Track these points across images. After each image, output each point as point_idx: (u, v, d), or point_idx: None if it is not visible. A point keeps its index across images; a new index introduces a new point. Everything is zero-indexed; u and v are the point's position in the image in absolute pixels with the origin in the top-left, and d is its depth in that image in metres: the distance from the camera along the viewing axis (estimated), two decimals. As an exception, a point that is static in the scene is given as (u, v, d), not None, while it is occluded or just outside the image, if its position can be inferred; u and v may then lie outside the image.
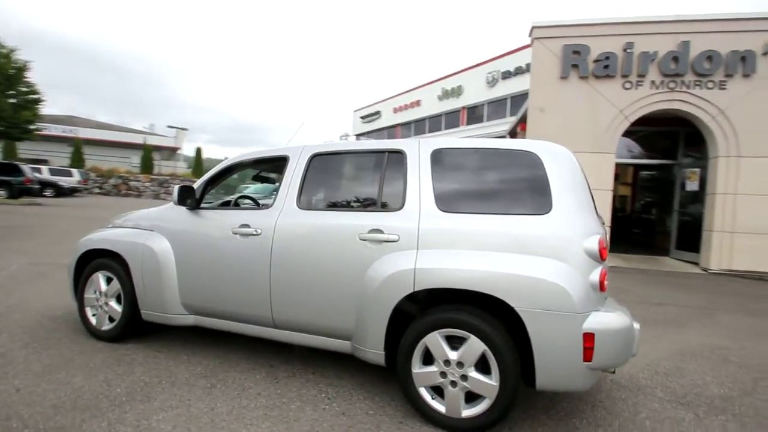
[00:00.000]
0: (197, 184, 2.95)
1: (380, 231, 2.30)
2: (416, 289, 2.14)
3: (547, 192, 2.14)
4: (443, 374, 2.11)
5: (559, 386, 2.00)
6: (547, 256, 2.02)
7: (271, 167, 3.45)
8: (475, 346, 2.04)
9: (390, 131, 27.50)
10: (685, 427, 2.24)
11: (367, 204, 2.49)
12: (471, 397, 2.08)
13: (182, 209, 2.92)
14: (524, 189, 2.21)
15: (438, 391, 2.15)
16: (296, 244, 2.49)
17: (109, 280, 3.09)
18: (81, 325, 3.23)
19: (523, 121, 10.09)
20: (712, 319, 4.56)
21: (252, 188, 11.09)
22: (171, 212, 2.98)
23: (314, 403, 2.31)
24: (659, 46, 7.61)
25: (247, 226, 2.64)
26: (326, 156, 2.69)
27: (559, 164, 2.19)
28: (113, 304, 3.06)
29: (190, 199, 2.83)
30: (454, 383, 2.09)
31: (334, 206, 2.57)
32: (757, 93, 7.28)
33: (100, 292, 3.10)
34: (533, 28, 8.31)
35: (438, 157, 2.38)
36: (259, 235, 2.58)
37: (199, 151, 28.89)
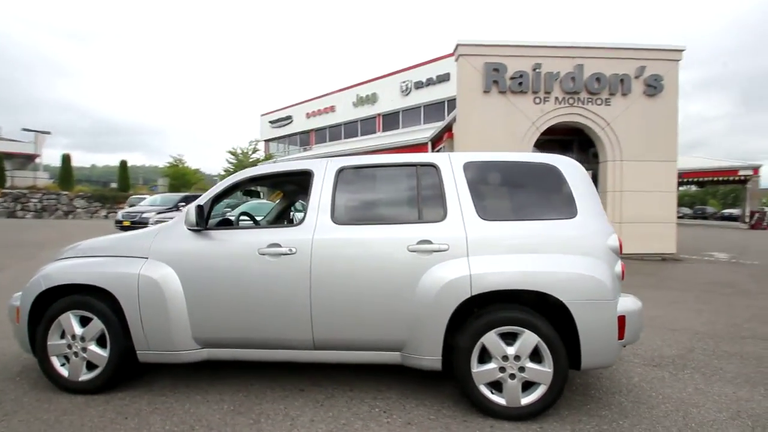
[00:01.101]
0: (202, 201, 2.67)
1: (429, 242, 2.39)
2: (473, 294, 2.29)
3: (571, 198, 2.48)
4: (502, 369, 2.29)
5: (599, 364, 2.34)
6: (580, 254, 2.35)
7: (289, 182, 3.25)
8: (529, 339, 2.27)
9: (303, 137, 26.94)
10: (669, 383, 2.80)
11: (407, 216, 2.56)
12: (525, 386, 2.31)
13: (183, 230, 2.60)
14: (550, 196, 2.53)
15: (495, 385, 2.33)
16: (339, 261, 2.44)
17: (84, 321, 2.59)
18: (40, 380, 2.65)
19: (448, 129, 10.90)
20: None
21: (247, 206, 10.14)
22: (169, 234, 2.63)
23: (375, 419, 2.30)
24: (561, 67, 8.97)
25: (277, 245, 2.48)
26: (353, 170, 2.68)
27: (575, 174, 2.56)
28: (94, 348, 2.58)
29: (200, 219, 2.54)
30: (512, 376, 2.29)
31: (373, 220, 2.57)
32: (632, 108, 9.06)
33: (74, 336, 2.58)
34: (458, 45, 9.08)
35: (470, 170, 2.57)
36: (293, 254, 2.45)
37: (67, 158, 24.69)
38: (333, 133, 24.64)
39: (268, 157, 27.70)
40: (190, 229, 2.59)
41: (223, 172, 28.35)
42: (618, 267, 2.40)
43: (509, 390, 2.29)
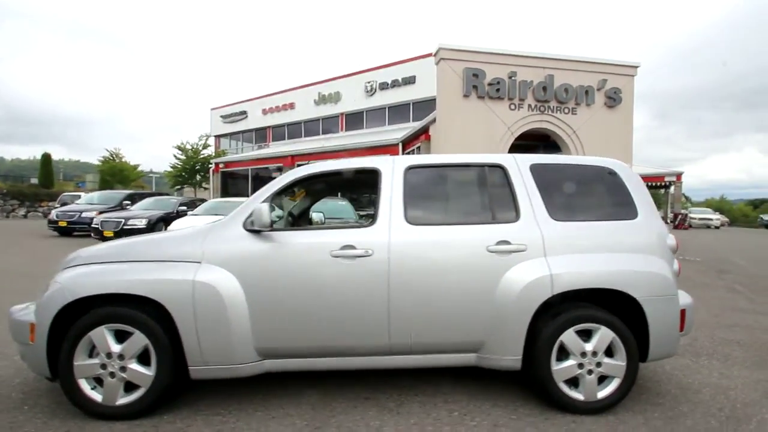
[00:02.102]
0: (261, 199, 2.45)
1: (508, 242, 2.40)
2: (554, 294, 2.34)
3: (631, 200, 2.62)
4: (580, 365, 2.37)
5: (663, 355, 2.50)
6: (645, 253, 2.49)
7: (354, 180, 3.08)
8: (605, 335, 2.37)
9: (260, 133, 25.83)
10: (695, 369, 3.06)
11: (480, 217, 2.55)
12: (599, 381, 2.40)
13: (240, 232, 2.38)
14: (611, 198, 2.65)
15: (571, 381, 2.40)
16: (417, 262, 2.37)
17: (120, 336, 2.27)
18: (58, 408, 2.29)
19: (425, 131, 11.06)
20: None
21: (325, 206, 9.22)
22: (224, 236, 2.38)
23: (460, 423, 2.26)
24: (534, 76, 9.49)
25: (351, 247, 2.35)
26: (421, 169, 2.62)
27: (631, 176, 2.71)
28: (136, 366, 2.26)
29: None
30: (590, 371, 2.37)
31: (446, 221, 2.53)
32: (595, 118, 9.83)
33: (109, 354, 2.25)
34: (440, 49, 9.26)
35: (537, 171, 2.63)
36: (370, 256, 2.34)
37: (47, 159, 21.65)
38: (292, 130, 23.91)
39: (220, 153, 26.20)
40: (248, 230, 2.37)
41: (170, 169, 26.31)
42: (675, 265, 2.58)
43: (587, 385, 2.37)
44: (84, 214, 12.33)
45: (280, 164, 15.61)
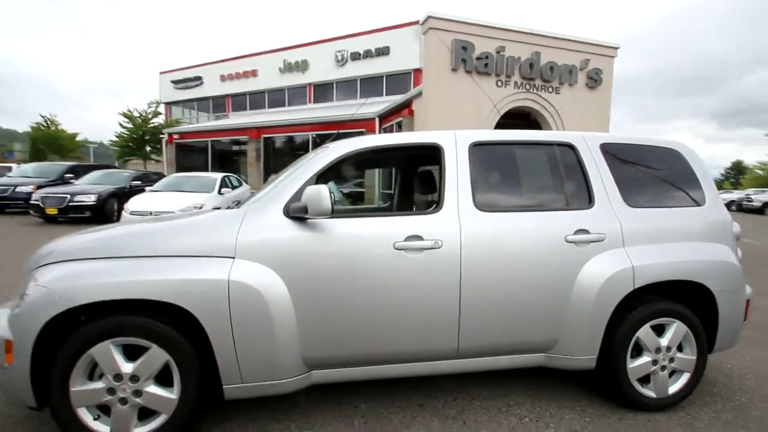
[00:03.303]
0: (304, 179, 2.02)
1: (587, 231, 2.16)
2: (635, 287, 2.15)
3: (698, 184, 2.47)
4: (654, 362, 2.23)
5: (727, 346, 2.42)
6: (715, 242, 2.36)
7: (411, 156, 2.64)
8: (680, 329, 2.24)
9: (218, 102, 23.87)
10: (732, 355, 3.07)
11: (554, 202, 2.28)
12: (669, 376, 2.29)
13: (280, 219, 1.94)
14: (680, 182, 2.47)
15: (643, 378, 2.26)
16: (491, 255, 2.07)
17: (131, 352, 1.80)
18: None
19: (407, 106, 10.62)
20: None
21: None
22: (261, 224, 1.93)
23: (535, 429, 2.06)
24: (521, 52, 9.28)
25: (418, 238, 2.00)
26: (487, 146, 2.28)
27: (696, 159, 2.55)
28: (154, 389, 1.81)
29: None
30: (663, 367, 2.24)
31: (519, 206, 2.23)
32: (577, 97, 9.88)
33: (118, 376, 1.78)
34: (428, 17, 8.74)
35: (608, 152, 2.38)
36: (439, 248, 2.01)
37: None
38: (254, 100, 22.31)
39: (172, 123, 24.02)
40: (292, 218, 1.94)
41: (115, 138, 23.78)
42: (739, 252, 2.48)
43: (658, 381, 2.24)
44: (19, 189, 10.80)
45: (331, 133, 14.21)
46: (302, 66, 19.95)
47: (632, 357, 2.22)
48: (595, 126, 10.09)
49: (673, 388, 2.26)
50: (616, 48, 10.08)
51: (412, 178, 3.37)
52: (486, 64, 9.05)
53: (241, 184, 11.21)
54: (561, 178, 2.30)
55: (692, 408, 2.29)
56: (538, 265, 2.11)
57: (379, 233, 2.00)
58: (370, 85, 18.18)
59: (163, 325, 1.80)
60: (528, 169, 2.39)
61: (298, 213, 1.91)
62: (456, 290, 2.02)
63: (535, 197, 2.31)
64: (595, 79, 9.88)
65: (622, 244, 2.20)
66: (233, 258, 1.86)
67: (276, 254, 1.89)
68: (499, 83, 9.31)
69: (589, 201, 2.26)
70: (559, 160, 2.32)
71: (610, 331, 2.18)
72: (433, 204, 2.14)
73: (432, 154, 2.25)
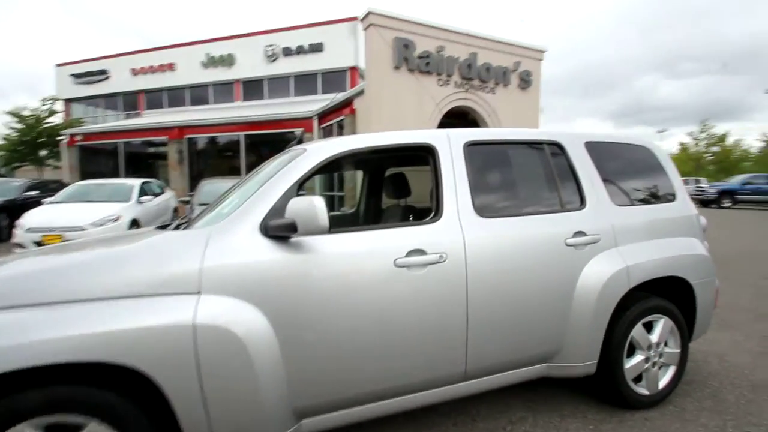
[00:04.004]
0: (284, 185, 1.66)
1: (584, 233, 2.10)
2: (631, 287, 2.13)
3: (669, 181, 2.54)
4: (647, 359, 2.23)
5: (701, 334, 2.52)
6: (689, 236, 2.45)
7: (393, 158, 2.30)
8: (667, 325, 2.28)
9: (129, 99, 21.24)
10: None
11: (549, 204, 2.17)
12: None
13: (253, 239, 1.57)
14: (654, 179, 2.53)
15: (637, 377, 2.25)
16: (495, 264, 1.90)
17: None
18: None
19: (348, 104, 10.30)
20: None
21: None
22: (233, 247, 1.54)
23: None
24: (460, 53, 9.47)
25: (421, 252, 1.75)
26: (482, 146, 2.10)
27: (664, 155, 2.63)
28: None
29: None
30: (654, 363, 2.26)
31: (517, 210, 2.08)
32: (510, 98, 10.35)
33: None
34: (369, 13, 8.52)
35: (592, 150, 2.35)
36: (444, 261, 1.78)
37: None
38: (174, 97, 20.24)
39: (72, 123, 20.92)
40: (273, 237, 1.57)
41: (2, 141, 20.00)
42: (706, 244, 2.61)
43: (650, 378, 2.26)
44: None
45: (299, 129, 12.61)
46: (228, 60, 18.56)
47: (627, 357, 2.21)
48: (527, 125, 10.67)
49: (662, 383, 2.30)
50: (543, 52, 10.76)
51: (382, 182, 3.12)
52: (427, 63, 9.08)
53: (163, 191, 10.03)
54: (554, 179, 2.20)
55: (677, 400, 2.34)
56: (542, 271, 1.99)
57: (376, 249, 1.71)
58: (305, 83, 17.48)
59: (102, 393, 1.34)
60: (521, 170, 2.27)
61: (282, 231, 1.55)
62: (463, 307, 1.82)
63: (531, 199, 2.19)
64: (526, 81, 10.45)
65: (615, 244, 2.16)
66: (198, 293, 1.45)
67: (255, 284, 1.52)
68: (441, 82, 9.41)
69: (581, 201, 2.20)
70: (550, 160, 2.23)
71: (608, 333, 2.14)
72: (432, 212, 1.90)
73: (419, 155, 2.01)
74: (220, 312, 1.44)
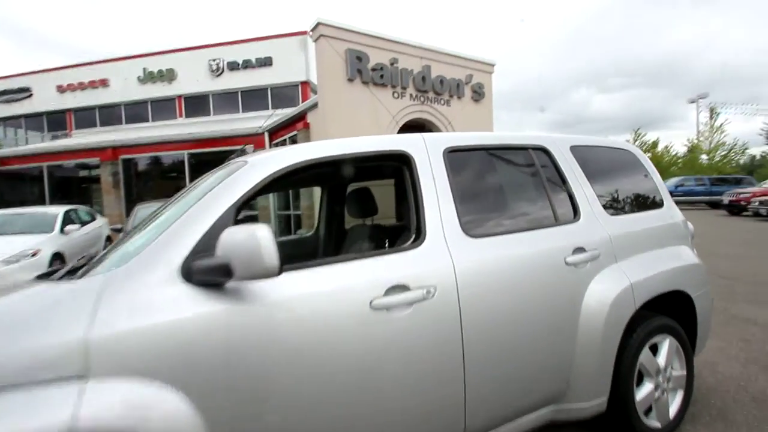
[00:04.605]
0: (220, 207, 1.21)
1: (583, 249, 1.82)
2: (637, 307, 1.88)
3: (655, 186, 2.38)
4: (656, 387, 1.98)
5: (703, 348, 2.33)
6: (679, 244, 2.27)
7: (359, 170, 1.87)
8: (672, 345, 2.05)
9: (55, 118, 19.21)
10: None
11: (542, 218, 1.88)
12: (664, 397, 2.07)
13: (172, 288, 1.11)
14: (640, 185, 2.35)
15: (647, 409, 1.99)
16: (492, 294, 1.56)
17: None
18: None
19: (300, 119, 9.86)
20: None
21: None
22: (135, 299, 1.07)
23: None
24: (413, 65, 9.38)
25: (403, 287, 1.37)
26: (463, 153, 1.78)
27: (646, 159, 2.47)
28: None
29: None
30: (663, 391, 2.01)
31: (510, 227, 1.76)
32: (465, 110, 10.40)
33: None
34: (319, 24, 8.21)
35: (578, 155, 2.12)
36: (431, 298, 1.41)
37: None
38: (107, 115, 18.58)
39: (-14, 145, 18.55)
40: (200, 283, 1.12)
41: None
42: (695, 251, 2.45)
43: (660, 408, 2.00)
44: None
45: (249, 146, 11.40)
46: (168, 75, 17.44)
47: (636, 387, 1.94)
48: (482, 136, 10.75)
49: (672, 411, 2.05)
50: (493, 65, 10.99)
51: (344, 199, 2.72)
52: (382, 75, 8.88)
53: (93, 218, 8.94)
54: (544, 188, 1.92)
55: (687, 428, 2.11)
56: (544, 297, 1.68)
57: (347, 290, 1.30)
58: (254, 98, 16.78)
59: None
60: (509, 179, 1.97)
61: (210, 276, 1.10)
62: (458, 351, 1.45)
63: (522, 213, 1.88)
64: (479, 93, 10.58)
65: (615, 259, 1.91)
66: (84, 379, 0.97)
67: (174, 356, 1.05)
68: (396, 95, 9.24)
69: (575, 213, 1.93)
70: (538, 167, 1.95)
71: (617, 363, 1.86)
72: (413, 235, 1.53)
73: (390, 166, 1.65)
74: (119, 405, 0.96)
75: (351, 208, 2.42)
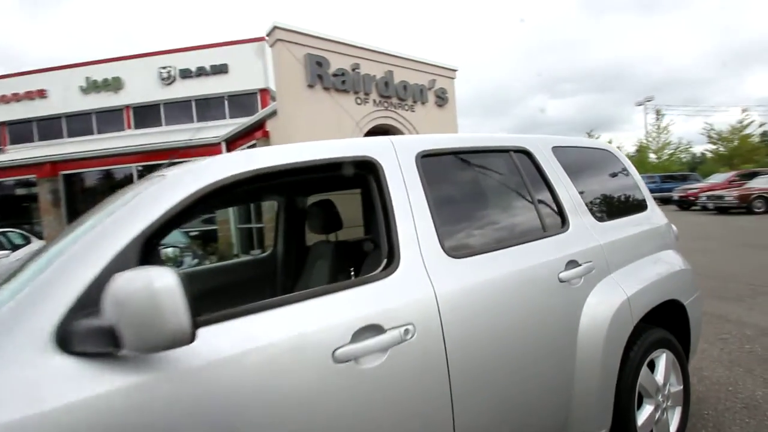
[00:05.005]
0: (105, 258, 0.87)
1: (576, 262, 1.62)
2: (635, 323, 1.69)
3: (638, 187, 2.24)
4: (656, 408, 1.80)
5: (693, 356, 2.20)
6: (667, 249, 2.14)
7: (329, 179, 1.53)
8: (669, 359, 1.90)
9: (-15, 132, 17.45)
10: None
11: (529, 230, 1.66)
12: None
13: (45, 365, 0.77)
14: (623, 186, 2.21)
15: None
16: (481, 326, 1.31)
17: None
18: None
19: (259, 127, 9.39)
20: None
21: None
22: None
23: None
24: (376, 71, 9.19)
25: (376, 329, 1.09)
26: (439, 158, 1.53)
27: (626, 159, 2.34)
28: None
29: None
30: (663, 410, 1.84)
31: (496, 243, 1.52)
32: (429, 115, 10.32)
33: None
34: (275, 28, 7.85)
35: (561, 156, 1.93)
36: (411, 339, 1.13)
37: None
38: (46, 128, 17.06)
39: None
40: (83, 354, 0.78)
41: None
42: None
43: (660, 430, 1.82)
44: None
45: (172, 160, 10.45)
46: (114, 84, 16.31)
47: (637, 410, 1.75)
48: (447, 141, 10.71)
49: (673, 430, 1.89)
50: (455, 71, 11.02)
51: (304, 213, 2.41)
52: (343, 81, 8.62)
53: (28, 241, 8.05)
54: (529, 195, 1.71)
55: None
56: (539, 325, 1.45)
57: (299, 340, 1.00)
58: (209, 107, 15.99)
59: None
60: (490, 186, 1.74)
61: (94, 344, 0.77)
62: (445, 399, 1.18)
63: (507, 225, 1.65)
64: (442, 98, 10.55)
65: (608, 270, 1.73)
66: None
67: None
68: (359, 101, 9.00)
69: (563, 221, 1.73)
70: (521, 171, 1.73)
71: (617, 387, 1.66)
72: (384, 260, 1.25)
73: (352, 175, 1.36)
74: None
75: (312, 223, 2.12)
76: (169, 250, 2.55)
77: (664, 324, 1.98)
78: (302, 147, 1.27)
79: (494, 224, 1.61)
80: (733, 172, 16.26)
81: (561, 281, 1.53)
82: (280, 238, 2.51)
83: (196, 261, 5.30)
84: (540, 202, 1.72)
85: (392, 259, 1.23)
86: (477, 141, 1.69)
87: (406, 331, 1.12)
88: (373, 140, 1.40)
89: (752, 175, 14.23)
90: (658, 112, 27.46)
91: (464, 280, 1.30)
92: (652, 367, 1.85)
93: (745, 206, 12.03)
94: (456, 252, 1.34)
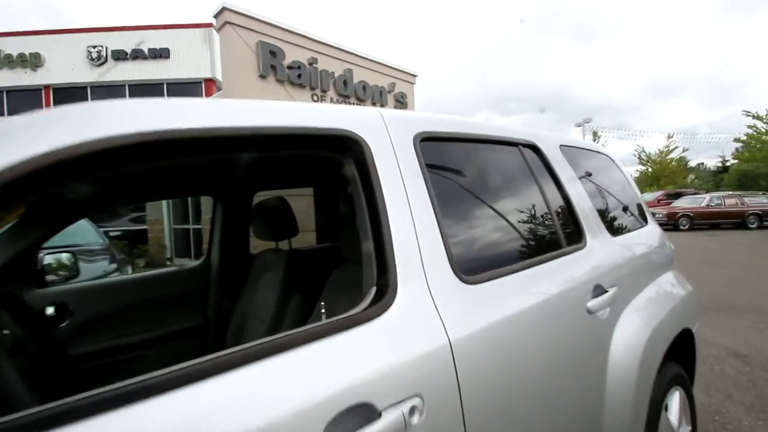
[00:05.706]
0: None
1: (602, 287, 1.29)
2: (660, 360, 1.40)
3: (637, 199, 2.01)
4: (673, 456, 1.53)
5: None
6: (669, 268, 1.91)
7: (279, 166, 0.99)
8: (681, 397, 1.64)
9: None
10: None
11: (547, 243, 1.30)
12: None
13: None
14: (625, 197, 1.96)
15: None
16: (503, 386, 0.91)
17: None
18: None
19: (203, 117, 8.50)
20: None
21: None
22: None
23: None
24: (335, 68, 8.72)
25: (366, 411, 0.64)
26: (443, 143, 1.13)
27: (623, 166, 2.11)
28: None
29: None
30: (679, 459, 1.57)
31: (514, 262, 1.14)
32: (388, 120, 10.02)
33: None
34: (224, 9, 7.12)
35: (569, 157, 1.62)
36: (419, 418, 0.70)
37: None
38: (-60, 104, 14.50)
39: None
40: None
41: None
42: (676, 274, 2.13)
43: (675, 481, 1.55)
44: None
45: None
46: (33, 61, 14.25)
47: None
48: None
49: (683, 480, 1.63)
50: (416, 76, 10.85)
51: (249, 213, 1.90)
52: (299, 75, 8.05)
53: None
54: (545, 200, 1.36)
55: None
56: (569, 370, 1.10)
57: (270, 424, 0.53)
58: (146, 94, 14.47)
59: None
60: (501, 187, 1.36)
61: None
62: None
63: (525, 238, 1.28)
64: (402, 102, 10.30)
65: (630, 297, 1.43)
66: None
67: None
68: (315, 97, 8.46)
69: (579, 235, 1.41)
70: (534, 171, 1.39)
71: (644, 437, 1.36)
72: (376, 290, 0.81)
73: (320, 157, 0.93)
74: None
75: (259, 226, 1.64)
76: (63, 255, 1.91)
77: (674, 356, 1.74)
78: (240, 105, 0.80)
79: (510, 238, 1.23)
80: (661, 192, 17.76)
81: (589, 312, 1.19)
82: (215, 245, 1.97)
83: (114, 266, 4.45)
84: (555, 209, 1.38)
85: (385, 287, 0.80)
86: (484, 128, 1.31)
87: (412, 410, 0.69)
88: (358, 110, 0.96)
89: (677, 196, 15.59)
90: (594, 134, 29.61)
91: (483, 318, 0.90)
92: (666, 406, 1.59)
93: (672, 224, 13.07)
94: (469, 275, 0.94)
